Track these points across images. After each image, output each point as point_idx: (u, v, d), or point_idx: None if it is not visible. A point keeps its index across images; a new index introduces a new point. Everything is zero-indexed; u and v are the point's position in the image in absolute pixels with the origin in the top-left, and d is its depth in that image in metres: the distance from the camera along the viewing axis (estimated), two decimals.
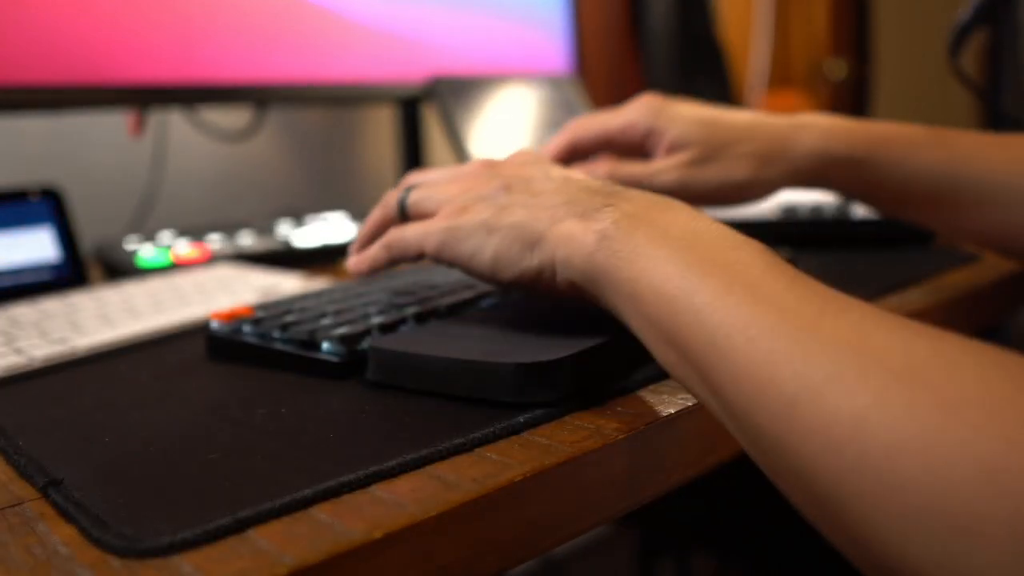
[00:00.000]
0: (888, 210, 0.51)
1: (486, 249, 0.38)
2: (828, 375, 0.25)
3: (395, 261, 0.43)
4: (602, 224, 0.34)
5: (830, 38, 1.90)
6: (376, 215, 0.45)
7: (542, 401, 0.35)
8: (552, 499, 0.30)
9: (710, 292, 0.29)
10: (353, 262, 0.45)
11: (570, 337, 0.37)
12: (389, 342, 0.39)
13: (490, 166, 0.42)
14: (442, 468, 0.30)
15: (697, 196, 0.51)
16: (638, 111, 0.49)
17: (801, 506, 0.26)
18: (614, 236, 0.34)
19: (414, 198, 0.43)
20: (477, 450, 0.31)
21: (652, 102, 0.50)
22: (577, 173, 0.41)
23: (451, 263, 0.40)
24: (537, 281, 0.37)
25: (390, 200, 0.45)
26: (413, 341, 0.39)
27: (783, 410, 0.25)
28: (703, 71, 1.49)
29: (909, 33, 2.14)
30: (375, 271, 0.44)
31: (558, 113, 1.04)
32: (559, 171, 0.41)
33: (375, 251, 0.44)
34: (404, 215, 0.43)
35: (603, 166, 0.53)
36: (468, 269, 0.39)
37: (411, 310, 0.44)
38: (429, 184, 0.44)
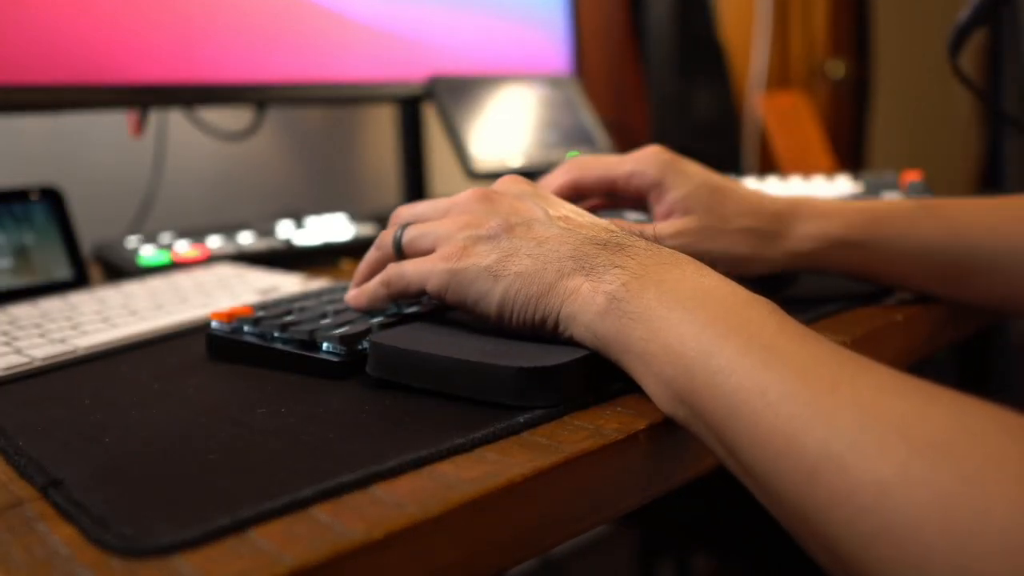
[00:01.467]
0: (891, 285, 0.51)
1: (491, 296, 0.38)
2: (849, 444, 0.25)
3: (394, 298, 0.43)
4: (611, 286, 0.35)
5: (830, 38, 1.89)
6: (372, 256, 0.45)
7: (542, 404, 0.35)
8: (552, 499, 0.30)
9: (726, 355, 0.30)
10: (352, 296, 0.45)
11: (573, 340, 0.37)
12: (390, 337, 0.39)
13: (486, 199, 0.41)
14: (442, 468, 0.30)
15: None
16: (648, 160, 0.48)
17: (822, 562, 0.27)
18: (624, 298, 0.34)
19: (410, 236, 0.42)
20: (477, 450, 0.31)
21: (663, 154, 0.49)
22: (576, 212, 0.41)
23: (454, 305, 0.40)
24: (539, 330, 0.38)
25: (385, 240, 0.44)
26: (414, 338, 0.38)
27: (805, 476, 0.26)
28: (703, 71, 1.49)
29: (909, 33, 2.14)
30: (374, 307, 0.44)
31: (558, 113, 1.04)
32: (558, 210, 0.40)
33: (373, 287, 0.43)
34: (400, 254, 0.43)
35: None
36: (472, 312, 0.39)
37: (411, 310, 0.44)
38: (423, 219, 0.43)
